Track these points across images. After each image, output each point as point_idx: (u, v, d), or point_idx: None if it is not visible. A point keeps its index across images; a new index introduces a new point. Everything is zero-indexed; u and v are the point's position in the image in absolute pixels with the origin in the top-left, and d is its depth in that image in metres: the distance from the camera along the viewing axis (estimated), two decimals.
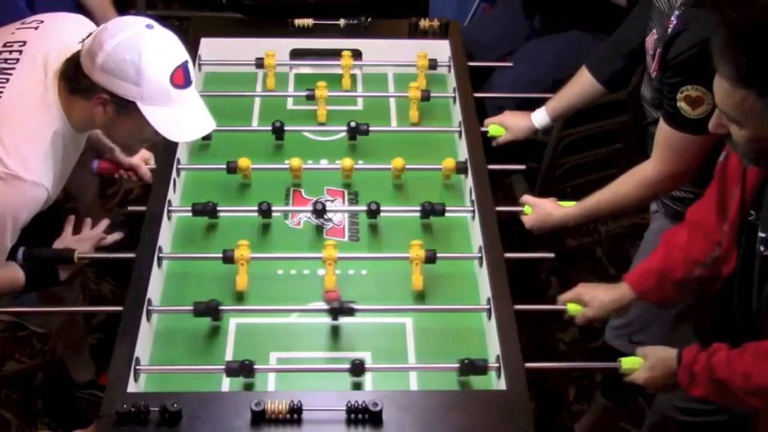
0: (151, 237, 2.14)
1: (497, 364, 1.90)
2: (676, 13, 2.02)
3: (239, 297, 2.10)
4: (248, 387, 1.91)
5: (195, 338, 2.03)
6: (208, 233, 2.27)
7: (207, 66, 2.74)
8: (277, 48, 2.72)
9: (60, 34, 2.02)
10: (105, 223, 2.26)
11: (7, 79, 1.94)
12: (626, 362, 1.94)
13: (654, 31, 2.15)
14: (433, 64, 2.69)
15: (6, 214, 1.89)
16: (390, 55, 2.78)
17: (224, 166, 2.37)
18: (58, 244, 2.18)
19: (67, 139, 1.96)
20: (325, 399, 1.80)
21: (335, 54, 2.72)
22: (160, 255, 2.11)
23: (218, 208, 2.25)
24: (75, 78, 1.89)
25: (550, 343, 3.08)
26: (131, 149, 2.33)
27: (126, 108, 1.87)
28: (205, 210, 2.25)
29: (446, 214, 2.28)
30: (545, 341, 3.07)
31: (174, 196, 2.31)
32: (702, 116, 1.94)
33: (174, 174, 2.33)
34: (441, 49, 2.77)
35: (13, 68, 1.96)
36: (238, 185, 2.41)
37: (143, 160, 2.37)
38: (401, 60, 2.75)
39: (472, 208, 2.28)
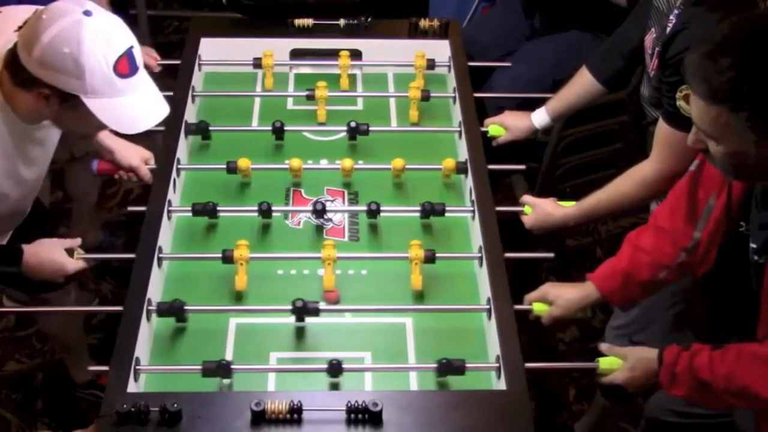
0: (151, 237, 2.14)
1: (497, 364, 1.90)
2: (675, 12, 2.03)
3: (239, 297, 2.10)
4: (218, 385, 1.90)
5: (195, 338, 2.03)
6: (208, 233, 2.27)
7: (207, 66, 2.73)
8: (277, 48, 2.72)
9: (11, 25, 1.89)
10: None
11: None
12: (604, 362, 1.93)
13: (653, 30, 2.15)
14: (431, 64, 2.69)
15: None
16: (390, 55, 2.78)
17: (224, 166, 2.37)
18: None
19: (12, 130, 1.87)
20: (325, 399, 1.81)
21: (335, 54, 2.72)
22: (160, 255, 2.11)
23: (218, 208, 2.25)
24: (15, 70, 1.78)
25: (550, 343, 3.08)
26: (87, 137, 2.23)
27: (70, 101, 1.77)
28: (205, 210, 2.25)
29: (446, 214, 2.28)
30: (545, 341, 3.06)
31: (174, 196, 2.31)
32: None
33: (174, 174, 2.32)
34: (441, 49, 2.77)
35: None
36: (238, 185, 2.41)
37: (143, 161, 2.36)
38: (401, 60, 2.75)
39: (472, 208, 2.29)
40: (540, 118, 2.56)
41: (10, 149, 1.91)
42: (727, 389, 1.72)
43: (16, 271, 2.05)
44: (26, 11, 1.95)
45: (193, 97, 2.58)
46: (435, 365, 1.91)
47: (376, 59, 2.78)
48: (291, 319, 2.07)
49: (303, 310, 1.99)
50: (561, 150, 3.10)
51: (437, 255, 2.17)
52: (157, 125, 1.91)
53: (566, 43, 3.08)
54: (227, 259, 2.10)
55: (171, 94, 2.42)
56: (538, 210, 2.29)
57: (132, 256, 2.10)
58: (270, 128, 2.51)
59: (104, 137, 2.28)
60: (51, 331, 2.75)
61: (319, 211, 2.27)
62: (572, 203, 2.28)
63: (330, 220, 2.31)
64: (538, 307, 2.08)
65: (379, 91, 2.74)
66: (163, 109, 1.89)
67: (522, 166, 2.62)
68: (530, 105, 2.64)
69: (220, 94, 2.65)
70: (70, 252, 2.09)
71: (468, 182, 2.36)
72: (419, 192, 2.38)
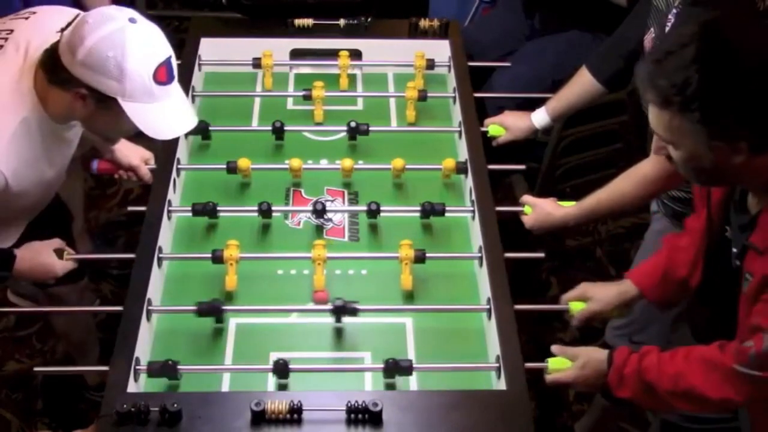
0: (151, 237, 2.14)
1: (497, 364, 1.90)
2: (674, 11, 2.03)
3: (228, 297, 2.10)
4: (284, 387, 1.91)
5: (195, 338, 2.03)
6: (208, 233, 2.27)
7: (207, 66, 2.73)
8: (277, 48, 2.72)
9: (47, 25, 1.95)
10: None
11: None
12: (553, 362, 1.92)
13: (652, 30, 2.15)
14: (430, 64, 2.69)
15: None
16: (390, 55, 2.78)
17: (224, 166, 2.37)
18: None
19: (43, 128, 1.91)
20: (325, 399, 1.80)
21: (335, 54, 2.72)
22: (160, 255, 2.11)
23: (218, 208, 2.25)
24: (53, 69, 1.83)
25: (550, 343, 3.07)
26: (112, 140, 2.28)
27: (106, 103, 1.82)
28: (205, 210, 2.25)
29: (446, 214, 2.28)
30: (545, 341, 3.06)
31: (174, 196, 2.31)
32: None
33: (174, 174, 2.32)
34: (441, 49, 2.77)
35: None
36: (238, 185, 2.41)
37: (143, 161, 2.37)
38: (401, 60, 2.75)
39: (472, 208, 2.29)
40: (540, 118, 2.56)
41: (38, 149, 1.94)
42: (674, 391, 1.72)
43: (7, 275, 2.08)
44: (60, 12, 2.01)
45: (193, 97, 2.58)
46: (381, 366, 1.91)
47: (376, 59, 2.78)
48: (291, 319, 2.07)
49: (342, 310, 2.00)
50: (561, 150, 3.09)
51: (436, 255, 2.18)
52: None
53: (566, 43, 3.08)
54: (217, 259, 2.10)
55: None
56: (538, 210, 2.29)
57: (132, 256, 2.10)
58: (270, 128, 2.51)
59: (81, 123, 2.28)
60: (60, 329, 2.75)
61: (319, 211, 2.27)
62: (572, 203, 2.28)
63: (330, 220, 2.31)
64: (575, 306, 2.07)
65: (379, 91, 2.74)
66: (191, 120, 1.95)
67: (522, 166, 2.62)
68: (530, 105, 2.64)
69: (220, 94, 2.65)
70: (59, 253, 2.10)
71: (468, 182, 2.36)
72: (419, 192, 2.38)
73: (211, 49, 2.75)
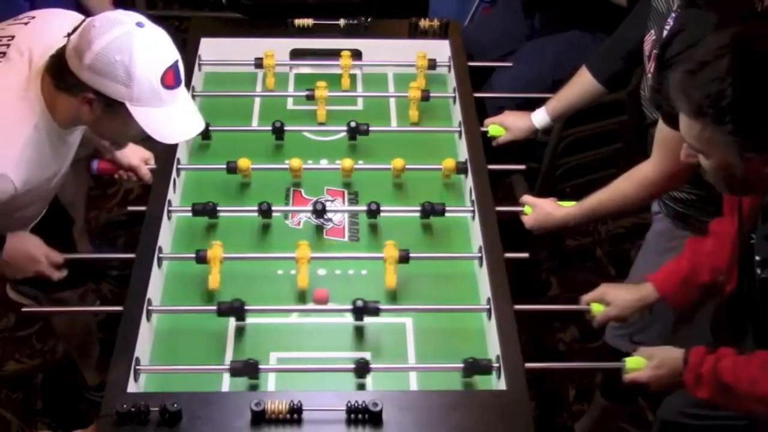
0: (151, 237, 2.14)
1: (497, 364, 1.90)
2: (673, 14, 2.03)
3: (210, 297, 2.09)
4: (253, 387, 1.91)
5: (195, 338, 2.03)
6: (208, 233, 2.27)
7: (207, 66, 2.73)
8: (277, 48, 2.72)
9: (49, 30, 1.96)
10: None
11: None
12: (631, 362, 1.94)
13: (652, 32, 2.15)
14: (432, 64, 2.69)
15: None
16: (390, 55, 2.78)
17: (224, 166, 2.37)
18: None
19: (51, 134, 1.91)
20: (325, 399, 1.80)
21: (335, 54, 2.72)
22: (160, 255, 2.11)
23: (218, 208, 2.25)
24: (60, 75, 1.83)
25: (550, 343, 3.08)
26: (119, 145, 2.28)
27: (114, 107, 1.82)
28: (205, 210, 2.25)
29: (446, 214, 2.28)
30: (545, 341, 3.07)
31: (174, 196, 2.31)
32: None
33: (174, 174, 2.33)
34: (441, 49, 2.77)
35: None
36: (238, 185, 2.41)
37: (143, 161, 2.37)
38: (401, 60, 2.75)
39: (472, 208, 2.28)
40: (540, 118, 2.56)
41: (46, 155, 1.94)
42: (752, 395, 1.72)
43: None
44: (60, 16, 2.02)
45: (193, 97, 2.58)
46: (461, 365, 1.90)
47: (376, 59, 2.78)
48: (291, 319, 2.07)
49: (363, 310, 2.00)
50: (561, 150, 3.09)
51: (436, 255, 2.18)
52: None
53: (566, 43, 3.08)
54: (201, 259, 2.10)
55: None
56: (538, 210, 2.29)
57: (132, 256, 2.10)
58: (270, 128, 2.51)
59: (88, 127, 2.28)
60: (60, 329, 2.76)
61: (319, 211, 2.27)
62: (572, 203, 2.28)
63: (330, 220, 2.31)
64: (597, 308, 2.08)
65: (379, 91, 2.74)
66: (198, 124, 1.95)
67: (522, 166, 2.62)
68: (530, 105, 2.64)
69: (220, 94, 2.65)
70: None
71: (468, 182, 2.36)
72: (419, 192, 2.38)
73: (211, 49, 2.75)
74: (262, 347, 2.00)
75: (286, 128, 2.51)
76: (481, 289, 2.12)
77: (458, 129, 2.52)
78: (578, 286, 2.51)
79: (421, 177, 2.42)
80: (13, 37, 1.96)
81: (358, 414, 1.76)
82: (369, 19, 2.83)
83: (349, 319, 2.04)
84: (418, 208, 2.27)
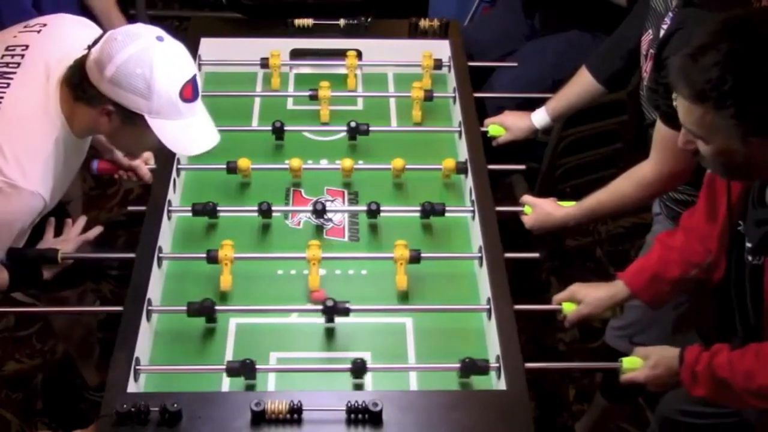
0: (151, 237, 2.14)
1: (497, 364, 1.90)
2: (670, 14, 2.03)
3: (225, 297, 2.10)
4: (250, 387, 1.91)
5: (195, 338, 2.03)
6: (208, 233, 2.27)
7: (207, 66, 2.73)
8: (277, 48, 2.71)
9: (62, 39, 1.99)
10: (95, 229, 2.22)
11: (8, 84, 1.91)
12: (627, 362, 1.94)
13: (650, 32, 2.15)
14: (438, 64, 2.69)
15: (1, 223, 1.87)
16: (390, 55, 2.78)
17: (224, 166, 2.37)
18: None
19: (68, 145, 1.94)
20: (325, 399, 1.80)
21: (335, 54, 2.72)
22: (160, 255, 2.11)
23: (218, 208, 2.25)
24: (80, 86, 1.86)
25: (550, 343, 3.08)
26: (133, 155, 2.32)
27: (132, 119, 1.85)
28: (205, 210, 2.25)
29: (446, 214, 2.28)
30: (545, 341, 3.07)
31: (174, 196, 2.31)
32: None
33: (174, 174, 2.33)
34: (441, 49, 2.77)
35: (15, 73, 1.93)
36: (238, 185, 2.41)
37: (143, 161, 2.37)
38: (401, 60, 2.75)
39: (472, 208, 2.28)
40: (540, 118, 2.56)
41: (65, 165, 1.96)
42: (747, 388, 1.72)
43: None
44: (72, 23, 2.06)
45: None
46: (458, 365, 1.90)
47: (376, 59, 2.78)
48: (291, 319, 2.07)
49: (333, 310, 2.00)
50: (561, 150, 3.09)
51: (436, 255, 2.18)
52: None
53: (566, 43, 3.08)
54: (212, 259, 2.10)
55: None
56: (538, 210, 2.29)
57: (132, 256, 2.10)
58: (270, 128, 2.51)
59: (102, 135, 2.28)
60: (61, 331, 2.76)
61: (319, 211, 2.27)
62: (572, 203, 2.28)
63: (330, 220, 2.31)
64: (568, 307, 2.07)
65: (379, 91, 2.74)
66: (214, 137, 1.97)
67: (522, 166, 2.62)
68: (530, 105, 2.64)
69: (220, 94, 2.65)
70: (54, 253, 2.11)
71: (468, 182, 2.36)
72: (419, 192, 2.38)
73: (211, 49, 2.75)
74: (262, 347, 2.00)
75: (286, 128, 2.51)
76: (481, 289, 2.12)
77: (458, 129, 2.52)
78: None
79: (421, 177, 2.42)
80: (27, 46, 1.98)
81: (358, 414, 1.76)
82: (369, 19, 2.83)
83: (349, 319, 2.04)
84: (418, 208, 2.27)
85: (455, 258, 2.22)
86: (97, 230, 2.21)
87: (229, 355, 1.98)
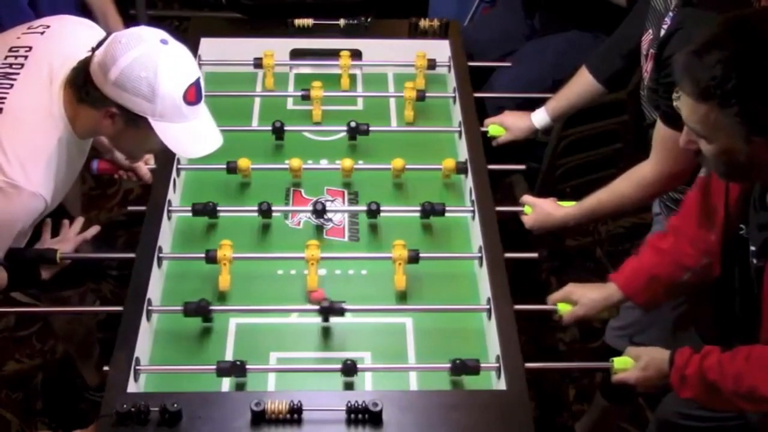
0: (151, 237, 2.14)
1: (497, 364, 1.90)
2: (670, 14, 2.03)
3: (224, 297, 2.10)
4: (240, 387, 1.91)
5: (195, 338, 2.03)
6: (208, 233, 2.27)
7: (207, 66, 2.73)
8: (277, 48, 2.72)
9: (66, 41, 1.99)
10: (92, 228, 2.23)
11: (11, 85, 1.92)
12: (618, 362, 1.94)
13: (650, 31, 2.15)
14: (432, 64, 2.69)
15: (2, 223, 1.87)
16: (390, 55, 2.78)
17: (224, 166, 2.37)
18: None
19: (71, 147, 1.94)
20: (325, 399, 1.81)
21: (335, 54, 2.72)
22: (160, 255, 2.11)
23: (218, 208, 2.25)
24: (84, 88, 1.86)
25: (550, 343, 3.08)
26: (135, 157, 2.32)
27: (136, 122, 1.85)
28: (205, 210, 2.25)
29: (446, 214, 2.28)
30: (545, 341, 3.06)
31: (174, 196, 2.31)
32: None
33: (174, 174, 2.33)
34: (441, 49, 2.77)
35: (18, 74, 1.93)
36: (238, 185, 2.41)
37: (143, 161, 2.37)
38: (401, 60, 2.75)
39: (472, 208, 2.28)
40: (540, 118, 2.56)
41: (67, 166, 1.96)
42: (736, 391, 1.72)
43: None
44: (74, 24, 2.06)
45: None
46: (448, 365, 1.90)
47: (376, 59, 2.78)
48: (291, 319, 2.07)
49: (329, 310, 2.00)
50: (561, 150, 3.09)
51: (436, 255, 2.18)
52: None
53: (566, 43, 3.08)
54: (210, 259, 2.10)
55: None
56: (538, 210, 2.29)
57: (132, 256, 2.10)
58: (270, 128, 2.51)
59: (104, 137, 2.29)
60: (61, 331, 2.76)
61: (319, 211, 2.27)
62: (572, 203, 2.28)
63: (330, 220, 2.31)
64: (563, 307, 2.07)
65: (379, 91, 2.74)
66: (217, 140, 1.98)
67: (522, 166, 2.62)
68: (530, 105, 2.64)
69: (220, 94, 2.65)
70: (53, 253, 2.11)
71: (468, 182, 2.36)
72: (419, 192, 2.38)
73: (211, 49, 2.75)
74: (262, 347, 2.00)
75: (286, 128, 2.51)
76: (481, 289, 2.12)
77: (458, 129, 2.52)
78: None
79: (421, 177, 2.42)
80: (30, 48, 1.98)
81: (358, 414, 1.76)
82: (369, 19, 2.83)
83: (349, 319, 2.04)
84: (418, 208, 2.27)
85: (455, 258, 2.22)
86: (95, 229, 2.22)
87: (229, 355, 1.98)
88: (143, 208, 2.24)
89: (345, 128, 2.52)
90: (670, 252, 1.97)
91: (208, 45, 2.76)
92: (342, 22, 2.81)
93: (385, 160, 2.41)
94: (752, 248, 1.72)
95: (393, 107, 2.68)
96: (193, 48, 2.72)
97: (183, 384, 1.89)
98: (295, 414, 1.75)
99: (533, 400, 2.41)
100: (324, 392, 1.87)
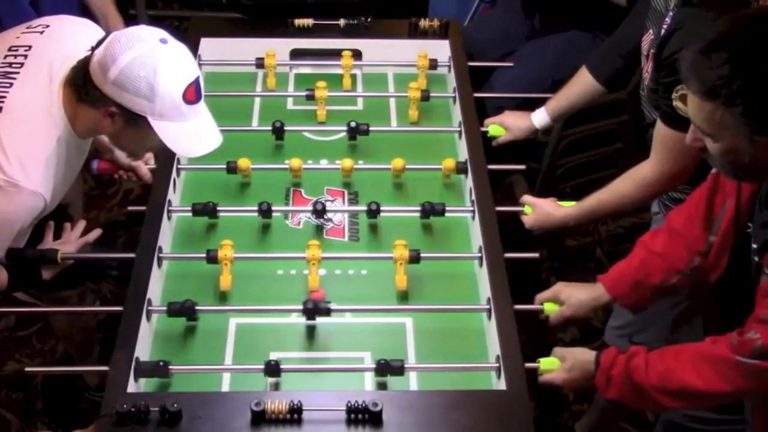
0: (151, 237, 2.14)
1: (497, 364, 1.90)
2: (671, 13, 2.03)
3: (225, 297, 2.10)
4: (164, 387, 1.90)
5: (195, 338, 2.03)
6: (208, 233, 2.27)
7: (207, 66, 2.73)
8: (277, 48, 2.72)
9: (66, 40, 2.00)
10: (94, 231, 2.23)
11: (11, 84, 1.92)
12: (545, 363, 1.93)
13: (650, 31, 2.15)
14: (433, 64, 2.69)
15: (2, 222, 1.88)
16: (390, 55, 2.78)
17: (224, 166, 2.37)
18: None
19: (70, 146, 1.95)
20: (325, 399, 1.80)
21: (335, 54, 2.72)
22: (160, 255, 2.11)
23: (218, 208, 2.25)
24: (83, 87, 1.87)
25: (550, 343, 3.07)
26: (136, 155, 2.32)
27: (135, 121, 1.86)
28: (205, 210, 2.25)
29: (446, 214, 2.28)
30: (545, 341, 3.06)
31: (174, 196, 2.31)
32: None
33: (174, 174, 2.33)
34: (441, 49, 2.77)
35: (18, 73, 1.93)
36: (238, 185, 2.41)
37: (143, 161, 2.37)
38: (401, 60, 2.75)
39: (472, 208, 2.29)
40: (540, 118, 2.56)
41: (67, 165, 1.96)
42: (664, 388, 1.72)
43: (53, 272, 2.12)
44: (73, 24, 2.06)
45: None
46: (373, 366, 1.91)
47: (376, 59, 2.78)
48: (291, 319, 2.07)
49: (314, 311, 2.00)
50: (561, 150, 3.09)
51: (436, 255, 2.18)
52: None
53: (566, 43, 3.08)
54: (211, 259, 2.10)
55: None
56: (538, 210, 2.29)
57: (132, 256, 2.10)
58: (270, 128, 2.51)
59: (105, 137, 2.29)
60: (61, 331, 2.76)
61: (319, 211, 2.27)
62: (572, 203, 2.28)
63: (330, 220, 2.31)
64: (549, 307, 2.07)
65: (379, 91, 2.74)
66: (217, 138, 1.98)
67: (522, 166, 2.62)
68: (530, 105, 2.64)
69: (220, 94, 2.65)
70: (54, 253, 2.11)
71: (468, 182, 2.36)
72: (419, 192, 2.38)
73: (211, 49, 2.75)
74: (262, 347, 2.00)
75: (286, 128, 2.51)
76: (481, 289, 2.12)
77: (458, 129, 2.52)
78: None
79: (421, 177, 2.42)
80: (30, 47, 1.99)
81: (358, 414, 1.76)
82: (369, 19, 2.83)
83: (349, 319, 2.04)
84: (418, 208, 2.27)
85: (455, 258, 2.22)
86: (97, 233, 2.22)
87: (229, 355, 1.98)
88: (143, 208, 2.24)
89: (345, 128, 2.52)
90: (661, 254, 1.97)
91: (208, 45, 2.76)
92: (342, 22, 2.81)
93: (385, 160, 2.41)
94: (753, 246, 1.72)
95: (393, 107, 2.68)
96: (193, 48, 2.72)
97: (183, 384, 1.89)
98: (295, 414, 1.75)
99: (533, 400, 2.40)
100: (324, 392, 1.86)
